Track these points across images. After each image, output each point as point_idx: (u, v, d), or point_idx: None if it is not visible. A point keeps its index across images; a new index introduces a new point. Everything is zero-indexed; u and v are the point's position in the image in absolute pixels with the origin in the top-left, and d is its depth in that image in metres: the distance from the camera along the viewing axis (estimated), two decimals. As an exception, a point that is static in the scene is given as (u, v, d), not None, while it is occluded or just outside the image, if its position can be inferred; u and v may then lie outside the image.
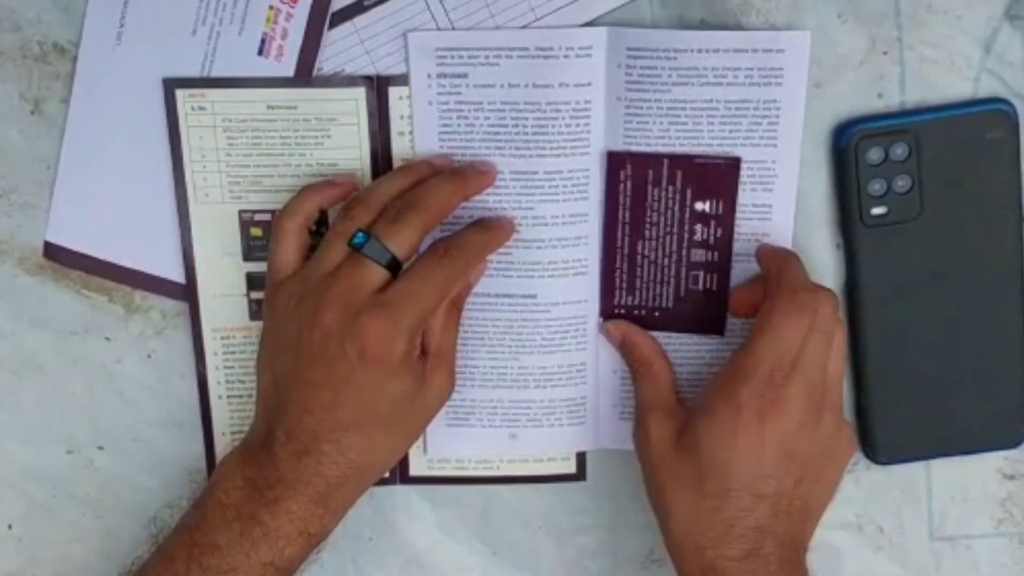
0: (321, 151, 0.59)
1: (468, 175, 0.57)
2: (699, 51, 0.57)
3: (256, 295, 0.61)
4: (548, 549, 0.64)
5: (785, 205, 0.59)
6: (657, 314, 0.60)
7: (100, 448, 0.63)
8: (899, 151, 0.58)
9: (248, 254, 0.60)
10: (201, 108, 0.58)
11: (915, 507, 0.63)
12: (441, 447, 0.63)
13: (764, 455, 0.53)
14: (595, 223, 0.60)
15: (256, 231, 0.60)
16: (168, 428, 0.62)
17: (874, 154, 0.58)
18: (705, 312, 0.60)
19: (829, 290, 0.55)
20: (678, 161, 0.57)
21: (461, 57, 0.58)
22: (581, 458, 0.63)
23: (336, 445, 0.54)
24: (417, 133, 0.59)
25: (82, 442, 0.63)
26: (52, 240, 0.60)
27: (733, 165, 0.57)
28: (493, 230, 0.58)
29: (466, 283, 0.59)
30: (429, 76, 0.58)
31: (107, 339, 0.62)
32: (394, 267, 0.54)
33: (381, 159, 0.59)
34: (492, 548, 0.64)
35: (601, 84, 0.58)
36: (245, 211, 0.60)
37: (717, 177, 0.58)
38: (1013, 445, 0.62)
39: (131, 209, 0.60)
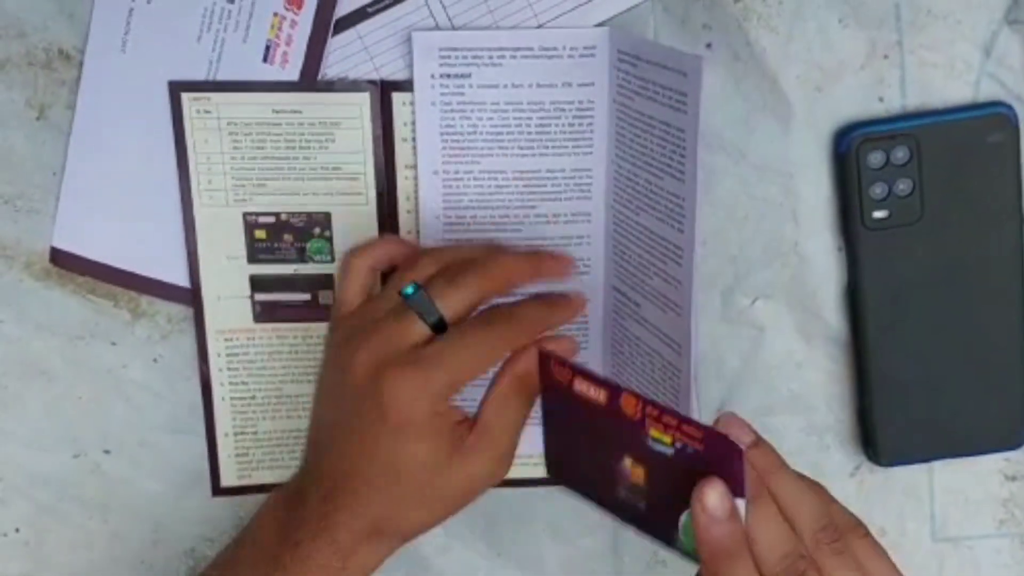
0: (325, 155, 0.59)
1: (545, 264, 0.55)
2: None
3: (260, 297, 0.61)
4: (553, 551, 0.64)
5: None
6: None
7: (107, 452, 0.63)
8: (900, 154, 0.59)
9: (252, 256, 0.61)
10: (206, 112, 0.59)
11: (917, 508, 0.63)
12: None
13: None
14: (599, 222, 0.60)
15: (260, 233, 0.60)
16: (174, 432, 0.63)
17: (875, 158, 0.59)
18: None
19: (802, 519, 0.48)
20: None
21: (465, 57, 0.58)
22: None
23: (358, 497, 0.51)
24: (420, 133, 0.59)
25: (88, 446, 0.63)
26: (58, 245, 0.61)
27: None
28: (556, 305, 0.55)
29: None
30: (432, 76, 0.58)
31: (113, 344, 0.62)
32: (440, 328, 0.52)
33: (385, 164, 0.60)
34: (497, 551, 0.64)
35: (604, 84, 0.58)
36: (249, 214, 0.60)
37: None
38: (1015, 446, 0.62)
39: (137, 214, 0.60)
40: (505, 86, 0.58)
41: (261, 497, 0.62)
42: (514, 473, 0.62)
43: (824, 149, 0.60)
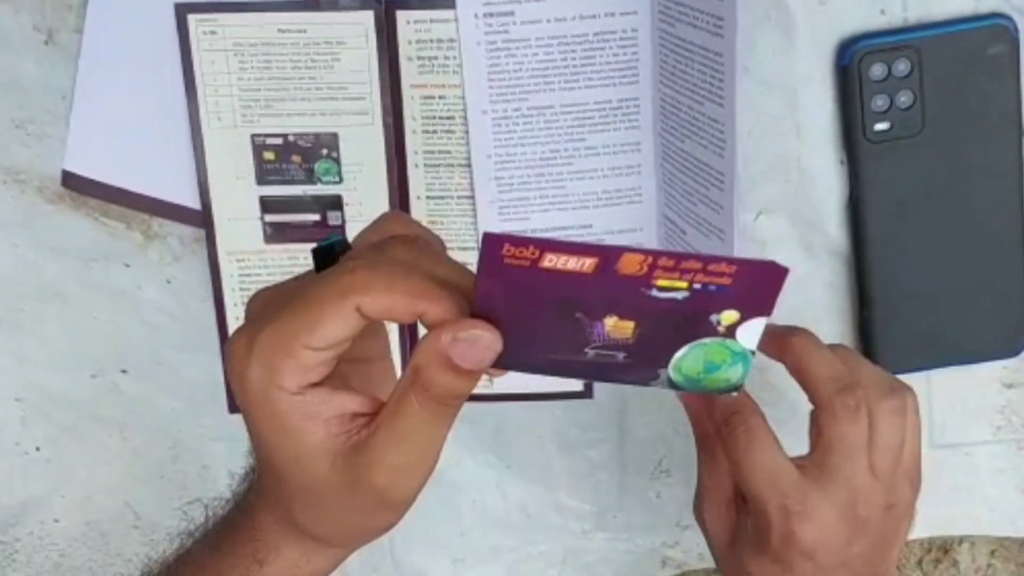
0: (331, 75, 0.60)
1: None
2: None
3: (270, 218, 0.62)
4: (559, 463, 0.66)
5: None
6: None
7: (124, 372, 0.64)
8: (902, 67, 0.59)
9: (261, 178, 0.61)
10: (212, 32, 0.59)
11: (916, 416, 0.64)
12: (508, 378, 0.62)
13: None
14: (648, 151, 0.60)
15: (269, 155, 0.61)
16: (189, 351, 0.64)
17: (877, 70, 0.59)
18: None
19: (873, 376, 0.52)
20: None
21: None
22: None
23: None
24: (467, 73, 0.59)
25: (106, 366, 0.64)
26: (70, 169, 0.61)
27: None
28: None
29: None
30: (476, 16, 0.58)
31: (127, 266, 0.63)
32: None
33: (391, 84, 0.60)
34: (506, 463, 0.66)
35: (646, 11, 0.58)
36: (257, 135, 0.60)
37: None
38: (1012, 354, 0.63)
39: (147, 136, 0.61)
40: (549, 21, 0.58)
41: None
42: (520, 389, 0.64)
43: (827, 63, 0.60)
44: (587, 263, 0.42)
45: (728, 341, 0.44)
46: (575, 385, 0.64)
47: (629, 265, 0.43)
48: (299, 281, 0.42)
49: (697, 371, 0.44)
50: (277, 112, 0.60)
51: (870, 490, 0.50)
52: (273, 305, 0.40)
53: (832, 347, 0.53)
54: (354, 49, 0.59)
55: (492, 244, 0.40)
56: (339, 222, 0.62)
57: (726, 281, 0.43)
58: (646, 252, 0.43)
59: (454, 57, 0.59)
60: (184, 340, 0.64)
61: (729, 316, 0.44)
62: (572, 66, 0.59)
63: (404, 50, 0.59)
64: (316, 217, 0.62)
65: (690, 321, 0.44)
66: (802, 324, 0.62)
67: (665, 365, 0.45)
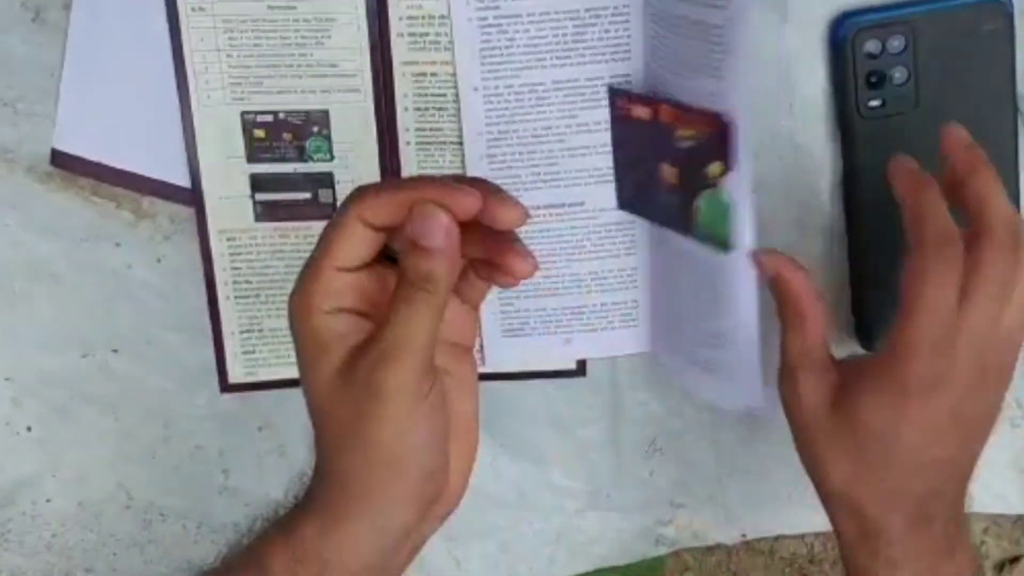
0: (322, 51, 0.59)
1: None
2: None
3: (261, 197, 0.61)
4: (552, 442, 0.66)
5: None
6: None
7: (115, 351, 0.64)
8: (896, 43, 0.59)
9: (252, 156, 0.61)
10: (201, 9, 0.58)
11: (910, 393, 0.64)
12: (499, 358, 0.63)
13: (933, 428, 0.50)
14: None
15: (259, 133, 0.60)
16: (181, 330, 0.64)
17: (871, 46, 0.59)
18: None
19: (996, 228, 0.50)
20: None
21: None
22: (582, 356, 0.64)
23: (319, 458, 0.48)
24: (458, 51, 0.58)
25: (97, 346, 0.64)
26: (59, 147, 0.61)
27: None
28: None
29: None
30: None
31: (117, 245, 0.63)
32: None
33: (382, 61, 0.60)
34: (499, 442, 0.66)
35: None
36: (248, 112, 0.60)
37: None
38: (1005, 331, 0.63)
39: (136, 114, 0.60)
40: None
41: (270, 393, 0.64)
42: (511, 367, 0.64)
43: (820, 39, 0.60)
44: (645, 111, 0.56)
45: (720, 191, 0.52)
46: (568, 363, 0.64)
47: (665, 113, 0.55)
48: None
49: (710, 219, 0.53)
50: (267, 89, 0.60)
51: (996, 343, 0.50)
52: None
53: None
54: (345, 25, 0.59)
55: (613, 97, 0.58)
56: (330, 200, 0.61)
57: (708, 128, 0.53)
58: (672, 104, 0.55)
59: (446, 34, 0.59)
60: (175, 319, 0.64)
61: (716, 168, 0.53)
62: (564, 42, 0.59)
63: (395, 27, 0.59)
64: (307, 195, 0.62)
65: (701, 169, 0.53)
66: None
67: (693, 214, 0.54)
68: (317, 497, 0.48)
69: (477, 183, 0.46)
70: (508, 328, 0.63)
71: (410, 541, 0.49)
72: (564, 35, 0.58)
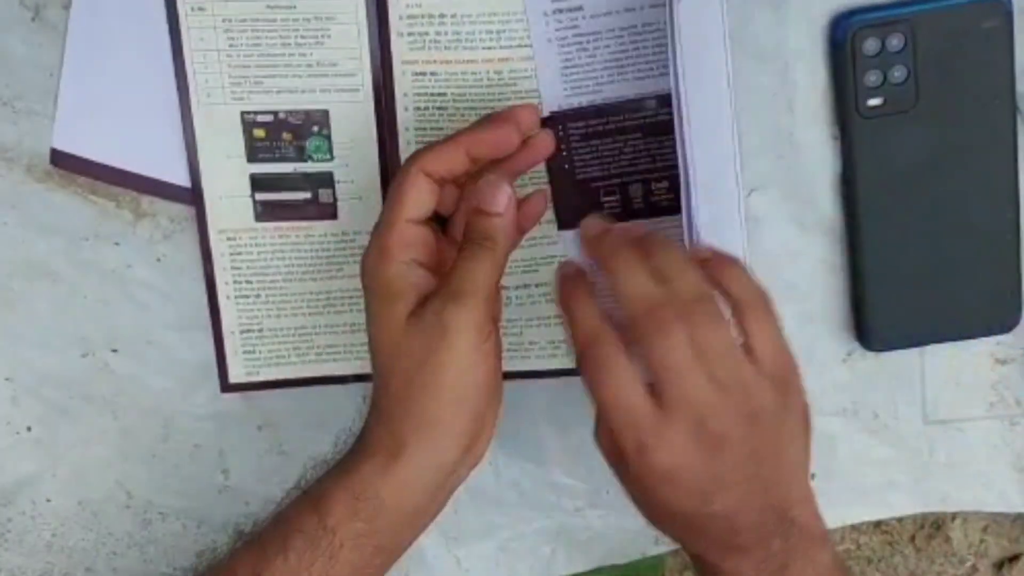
0: (321, 50, 0.59)
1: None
2: None
3: (261, 196, 0.61)
4: (553, 440, 0.66)
5: None
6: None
7: (114, 351, 0.64)
8: (895, 42, 0.59)
9: (252, 156, 0.61)
10: (201, 9, 0.58)
11: (909, 392, 0.64)
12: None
13: (697, 492, 0.50)
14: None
15: (259, 132, 0.60)
16: (180, 330, 0.64)
17: (870, 45, 0.59)
18: None
19: (685, 286, 0.49)
20: None
21: None
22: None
23: (376, 393, 0.54)
24: (540, 71, 0.58)
25: (96, 345, 0.64)
26: (58, 147, 0.61)
27: None
28: (492, 124, 0.55)
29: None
30: (545, 14, 0.57)
31: (116, 244, 0.63)
32: None
33: (381, 60, 0.60)
34: (499, 440, 0.65)
35: None
36: (248, 112, 0.60)
37: None
38: (1005, 330, 0.63)
39: (136, 114, 0.60)
40: (618, 12, 0.57)
41: (269, 392, 0.64)
42: (512, 365, 0.64)
43: (820, 38, 0.60)
44: None
45: None
46: (569, 363, 0.64)
47: None
48: None
49: None
50: (267, 89, 0.60)
51: (717, 404, 0.49)
52: None
53: (661, 250, 0.51)
54: (344, 25, 0.59)
55: None
56: (330, 200, 0.62)
57: None
58: None
59: (445, 32, 0.59)
60: (175, 318, 0.64)
61: None
62: (645, 56, 0.58)
63: (395, 26, 0.59)
64: (307, 195, 0.62)
65: None
66: (795, 299, 0.63)
67: None
68: (375, 439, 0.53)
69: (509, 116, 0.55)
70: None
71: (448, 484, 0.54)
72: (645, 48, 0.58)
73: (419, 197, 0.53)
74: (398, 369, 0.52)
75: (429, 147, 0.54)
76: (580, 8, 0.57)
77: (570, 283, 0.53)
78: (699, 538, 0.52)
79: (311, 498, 0.53)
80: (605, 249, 0.52)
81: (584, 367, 0.51)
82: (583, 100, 0.58)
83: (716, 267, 0.52)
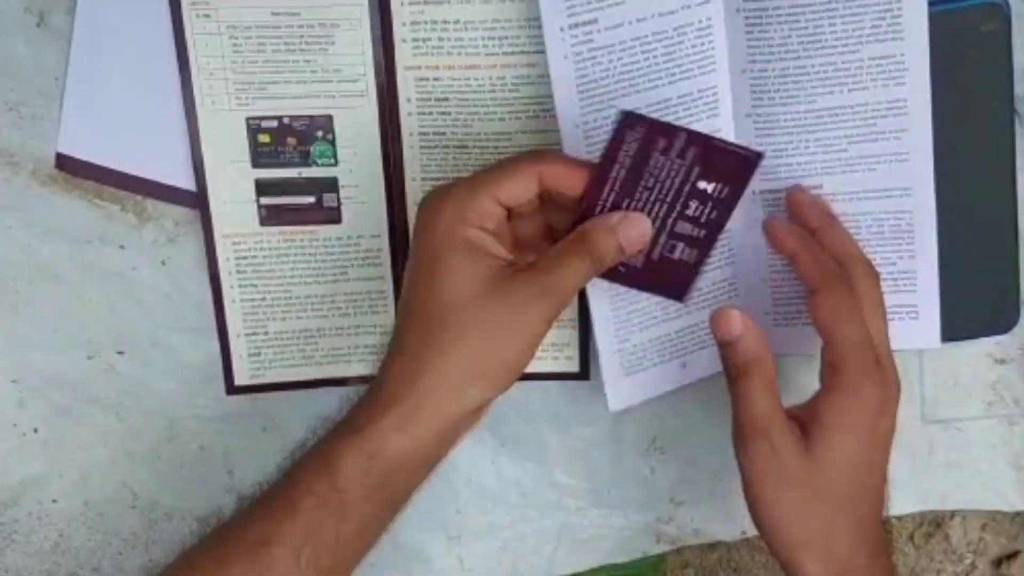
0: (326, 57, 0.59)
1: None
2: None
3: (265, 201, 0.62)
4: (554, 440, 0.66)
5: (920, 98, 0.59)
6: (623, 270, 0.58)
7: (120, 353, 0.64)
8: (894, 45, 0.59)
9: (257, 161, 0.61)
10: (206, 16, 0.59)
11: (908, 392, 0.64)
12: (623, 398, 0.63)
13: (882, 446, 0.57)
14: (730, 137, 0.60)
15: (264, 138, 0.61)
16: (185, 332, 0.64)
17: (870, 49, 0.59)
18: (672, 278, 0.58)
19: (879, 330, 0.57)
20: (696, 138, 0.54)
21: (589, 3, 0.57)
22: (584, 358, 0.64)
23: (403, 343, 0.55)
24: (556, 88, 0.58)
25: (102, 348, 0.64)
26: (63, 151, 0.61)
27: (752, 158, 0.54)
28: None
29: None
30: (562, 30, 0.57)
31: (121, 247, 0.63)
32: None
33: (385, 65, 0.60)
34: (501, 441, 0.66)
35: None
36: (252, 118, 0.60)
37: (731, 165, 0.54)
38: (1003, 330, 0.64)
39: (141, 118, 0.60)
40: (630, 23, 0.57)
41: (274, 393, 0.64)
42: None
43: (819, 42, 0.60)
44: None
45: None
46: (571, 367, 0.64)
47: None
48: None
49: None
50: (272, 95, 0.60)
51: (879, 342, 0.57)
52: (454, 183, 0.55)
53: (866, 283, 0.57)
54: (348, 31, 0.59)
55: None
56: (335, 204, 0.62)
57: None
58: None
59: (448, 38, 0.59)
60: (180, 321, 0.64)
61: None
62: (655, 64, 0.58)
63: (399, 32, 0.59)
64: (312, 199, 0.62)
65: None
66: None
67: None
68: (388, 393, 0.54)
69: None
70: (628, 367, 0.63)
71: (459, 431, 0.55)
72: (655, 57, 0.58)
73: (518, 189, 0.54)
74: (448, 322, 0.53)
75: (558, 156, 0.56)
76: (595, 21, 0.57)
77: (744, 357, 0.55)
78: (863, 529, 0.56)
79: (321, 457, 0.54)
80: (824, 276, 0.57)
81: (746, 451, 0.55)
82: (598, 116, 0.58)
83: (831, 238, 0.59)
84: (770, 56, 0.59)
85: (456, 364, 0.53)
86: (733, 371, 0.55)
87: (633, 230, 0.54)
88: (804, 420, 0.55)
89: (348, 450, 0.53)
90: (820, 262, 0.57)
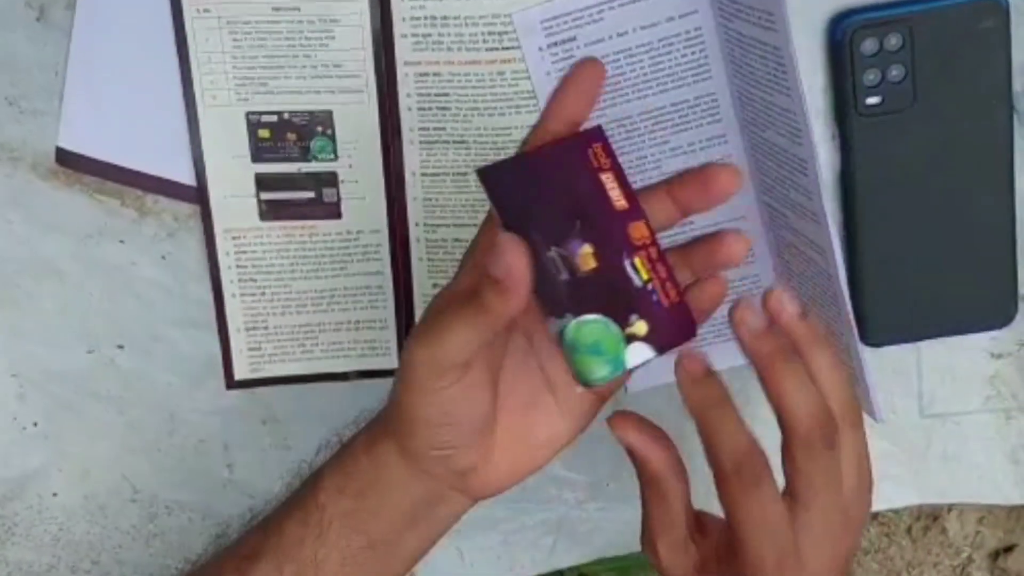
0: (326, 52, 0.60)
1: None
2: None
3: (266, 196, 0.62)
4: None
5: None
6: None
7: (120, 347, 0.65)
8: (893, 41, 0.59)
9: (257, 156, 0.61)
10: (206, 11, 0.59)
11: (906, 387, 0.65)
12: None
13: None
14: (735, 142, 0.60)
15: (264, 133, 0.61)
16: (185, 327, 0.64)
17: (869, 44, 0.59)
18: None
19: (797, 428, 0.48)
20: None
21: (566, 23, 0.57)
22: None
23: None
24: (542, 103, 0.58)
25: (102, 342, 0.64)
26: (64, 146, 0.61)
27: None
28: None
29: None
30: (541, 49, 0.58)
31: (121, 242, 0.63)
32: None
33: (385, 61, 0.60)
34: (500, 435, 0.66)
35: (707, 7, 0.58)
36: (252, 113, 0.61)
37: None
38: (1001, 325, 0.64)
39: (141, 113, 0.61)
40: (611, 37, 0.58)
41: (273, 387, 0.64)
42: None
43: (818, 37, 0.60)
44: (623, 201, 0.49)
45: (623, 344, 0.47)
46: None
47: (638, 229, 0.48)
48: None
49: (586, 342, 0.47)
50: (272, 90, 0.60)
51: (849, 497, 0.49)
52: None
53: (820, 355, 0.49)
54: (348, 27, 0.59)
55: (592, 134, 0.49)
56: (334, 199, 0.62)
57: (665, 303, 0.47)
58: (651, 234, 0.48)
59: (448, 34, 0.59)
60: (180, 315, 0.64)
61: (640, 327, 0.47)
62: (642, 74, 0.59)
63: (399, 27, 0.59)
64: (311, 194, 0.62)
65: (622, 304, 0.47)
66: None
67: (576, 315, 0.47)
68: (381, 415, 0.52)
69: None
70: None
71: (434, 512, 0.53)
72: (641, 67, 0.59)
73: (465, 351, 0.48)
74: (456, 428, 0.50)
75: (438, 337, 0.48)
76: (573, 39, 0.58)
77: (703, 391, 0.48)
78: None
79: (312, 475, 0.54)
80: (767, 349, 0.48)
81: (731, 487, 0.48)
82: (587, 125, 0.58)
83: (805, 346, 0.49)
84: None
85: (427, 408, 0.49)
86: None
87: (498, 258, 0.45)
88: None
89: (330, 466, 0.53)
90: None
